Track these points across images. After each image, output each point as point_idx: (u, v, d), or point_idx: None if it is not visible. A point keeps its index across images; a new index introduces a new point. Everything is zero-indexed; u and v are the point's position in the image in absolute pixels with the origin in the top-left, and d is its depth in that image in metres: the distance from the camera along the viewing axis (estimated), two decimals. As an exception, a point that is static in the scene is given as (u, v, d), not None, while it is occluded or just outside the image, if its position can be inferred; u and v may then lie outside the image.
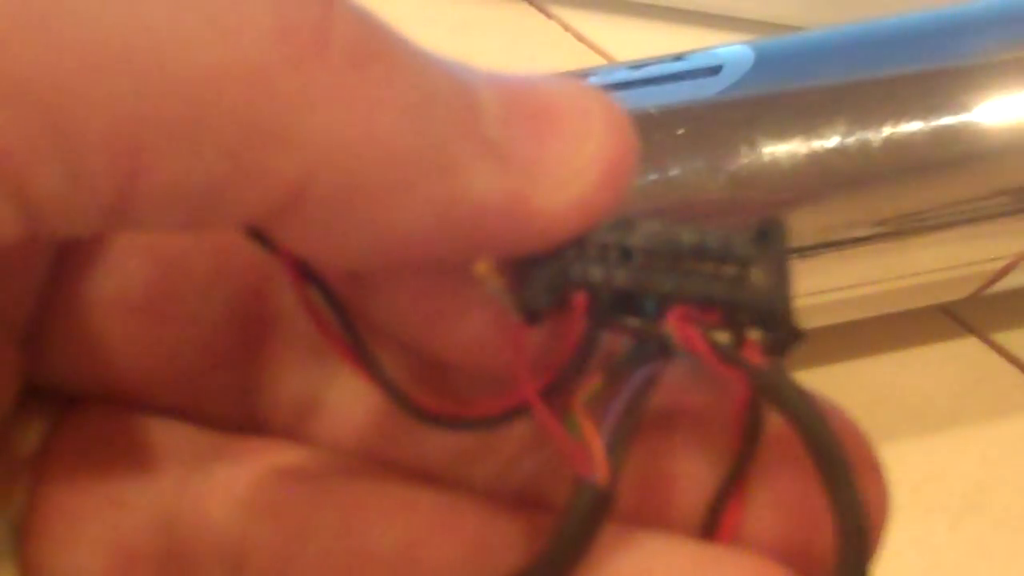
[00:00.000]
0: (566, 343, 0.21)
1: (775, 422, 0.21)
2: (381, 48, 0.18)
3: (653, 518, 0.22)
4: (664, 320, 0.21)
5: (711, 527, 0.22)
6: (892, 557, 0.58)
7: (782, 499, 0.22)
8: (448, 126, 0.18)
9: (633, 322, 0.21)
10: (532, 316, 0.21)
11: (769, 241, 0.21)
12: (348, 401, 0.24)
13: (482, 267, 0.19)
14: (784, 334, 0.21)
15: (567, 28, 0.72)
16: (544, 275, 0.20)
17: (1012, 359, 0.57)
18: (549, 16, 0.72)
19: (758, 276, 0.21)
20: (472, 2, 0.70)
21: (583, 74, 0.53)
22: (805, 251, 0.49)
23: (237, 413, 0.24)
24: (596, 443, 0.20)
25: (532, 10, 0.72)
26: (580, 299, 0.21)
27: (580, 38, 0.71)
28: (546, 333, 0.21)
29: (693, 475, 0.22)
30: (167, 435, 0.24)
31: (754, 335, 0.21)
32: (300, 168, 0.18)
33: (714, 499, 0.22)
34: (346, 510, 0.23)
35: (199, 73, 0.17)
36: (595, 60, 0.70)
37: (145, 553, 0.23)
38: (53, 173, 0.16)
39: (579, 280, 0.21)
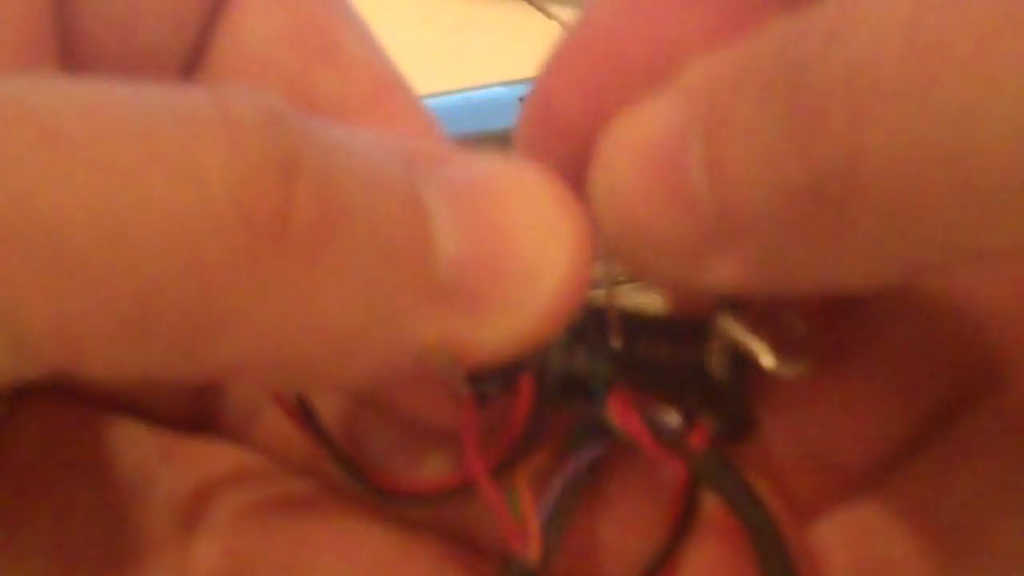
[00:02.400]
0: (513, 423, 0.22)
1: (713, 501, 0.22)
2: (342, 215, 0.18)
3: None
4: (606, 404, 0.22)
5: None
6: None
7: (715, 570, 0.22)
8: (401, 285, 0.19)
9: (579, 406, 0.22)
10: (481, 399, 0.21)
11: (726, 324, 0.21)
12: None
13: (438, 357, 0.19)
14: (735, 422, 0.22)
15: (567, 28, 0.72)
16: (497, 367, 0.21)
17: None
18: (549, 16, 0.72)
19: (712, 363, 0.22)
20: (472, 2, 0.70)
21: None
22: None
23: (189, 410, 0.24)
24: (533, 523, 0.21)
25: (532, 10, 0.73)
26: (526, 383, 0.22)
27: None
28: (498, 413, 0.22)
29: (626, 546, 0.22)
30: (119, 434, 0.24)
31: (706, 419, 0.22)
32: (242, 353, 0.18)
33: (645, 572, 0.22)
34: (294, 542, 0.22)
35: (149, 274, 0.17)
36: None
37: (90, 555, 0.23)
38: None
39: (527, 365, 0.22)
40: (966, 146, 0.15)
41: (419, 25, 0.69)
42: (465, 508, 0.22)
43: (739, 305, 0.21)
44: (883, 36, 0.15)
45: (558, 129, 0.20)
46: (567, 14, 0.72)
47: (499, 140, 0.22)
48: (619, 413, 0.21)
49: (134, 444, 0.23)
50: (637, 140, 0.19)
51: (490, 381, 0.21)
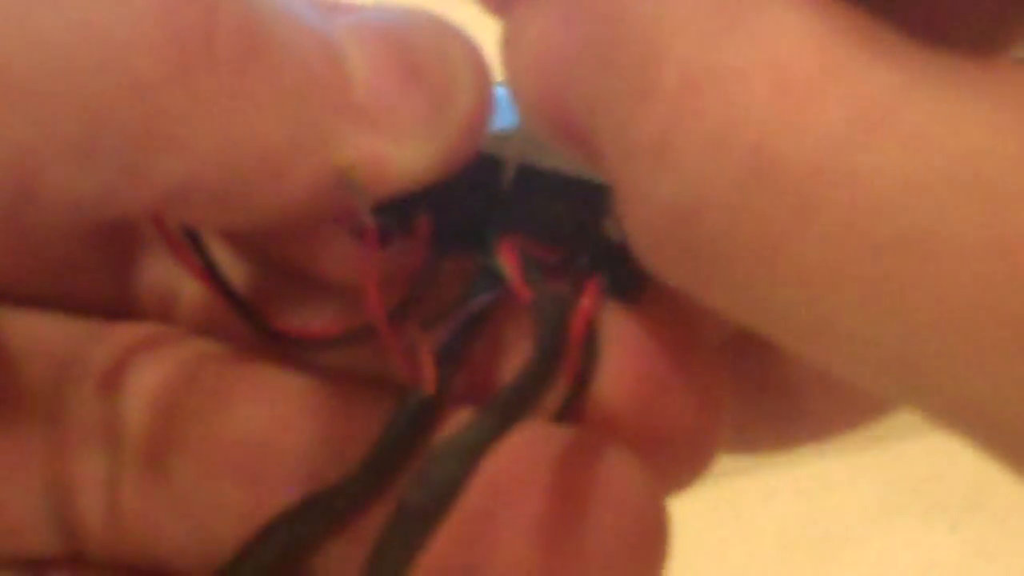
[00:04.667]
0: (409, 264, 0.22)
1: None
2: (263, 39, 0.19)
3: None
4: (499, 247, 0.22)
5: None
6: (892, 557, 0.58)
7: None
8: (321, 104, 0.20)
9: (473, 252, 0.22)
10: (381, 238, 0.21)
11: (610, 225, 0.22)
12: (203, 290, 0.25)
13: (352, 177, 0.20)
14: (626, 280, 0.22)
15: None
16: (396, 200, 0.21)
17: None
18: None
19: (610, 224, 0.22)
20: (471, 2, 0.70)
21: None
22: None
23: (107, 296, 0.25)
24: (427, 359, 0.22)
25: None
26: (423, 223, 0.22)
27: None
28: (398, 257, 0.22)
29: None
30: (38, 325, 0.24)
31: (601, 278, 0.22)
32: (186, 170, 0.18)
33: (553, 418, 0.22)
34: (215, 395, 0.23)
35: (92, 96, 0.17)
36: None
37: (30, 447, 0.23)
38: None
39: (426, 205, 0.22)
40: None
41: (419, 25, 0.69)
42: (366, 350, 0.23)
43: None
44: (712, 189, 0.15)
45: None
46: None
47: (500, 139, 0.23)
48: (505, 256, 0.22)
49: (61, 331, 0.24)
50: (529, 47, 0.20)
51: (389, 218, 0.22)
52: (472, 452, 0.19)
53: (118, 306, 0.25)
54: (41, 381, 0.24)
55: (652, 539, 0.22)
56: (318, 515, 0.22)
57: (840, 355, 0.16)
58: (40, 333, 0.24)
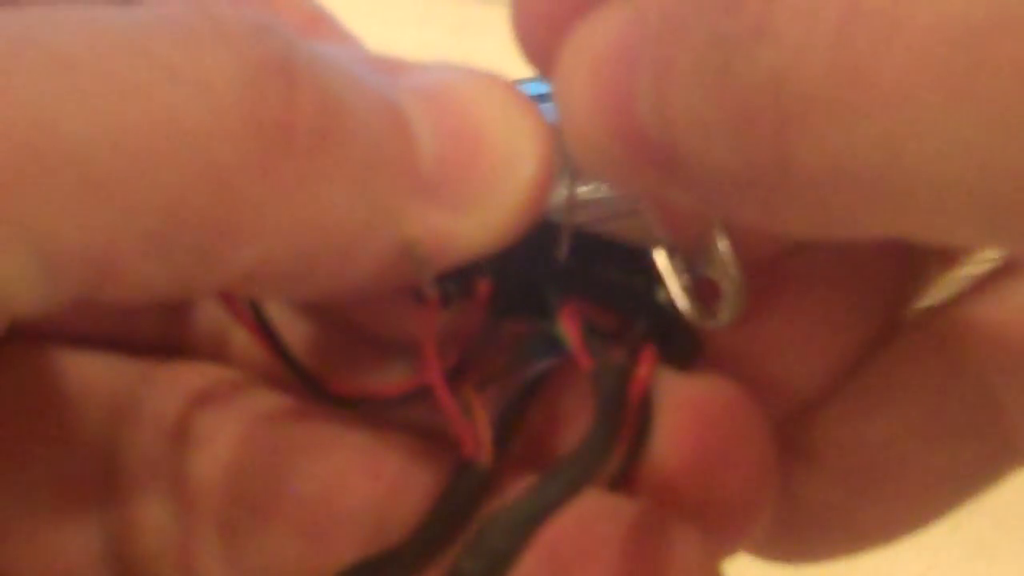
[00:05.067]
0: (468, 327, 0.22)
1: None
2: (340, 118, 0.19)
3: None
4: (559, 313, 0.22)
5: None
6: (892, 557, 0.58)
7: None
8: (391, 181, 0.20)
9: (532, 317, 0.23)
10: (442, 301, 0.22)
11: (659, 260, 0.22)
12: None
13: (419, 253, 0.20)
14: (682, 347, 0.22)
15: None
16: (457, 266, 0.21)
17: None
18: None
19: (664, 292, 0.22)
20: (472, 2, 0.70)
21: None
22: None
23: (160, 335, 0.25)
24: (484, 427, 0.22)
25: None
26: (483, 287, 0.22)
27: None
28: (454, 321, 0.22)
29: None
30: (98, 365, 0.24)
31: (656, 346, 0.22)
32: (260, 255, 0.18)
33: (608, 487, 0.22)
34: (282, 450, 0.23)
35: (171, 187, 0.17)
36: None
37: (88, 482, 0.23)
38: (30, 273, 0.17)
39: (485, 270, 0.22)
40: (892, 172, 0.15)
41: (418, 26, 0.69)
42: (425, 411, 0.22)
43: (674, 246, 0.22)
44: (810, 46, 0.15)
45: (531, 33, 0.21)
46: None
47: (556, 203, 0.23)
48: (565, 323, 0.22)
49: (114, 372, 0.24)
50: (589, 53, 0.19)
51: (451, 284, 0.22)
52: (528, 523, 0.20)
53: (171, 343, 0.25)
54: (97, 423, 0.23)
55: None
56: None
57: (932, 203, 0.15)
58: (94, 373, 0.24)
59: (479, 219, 0.20)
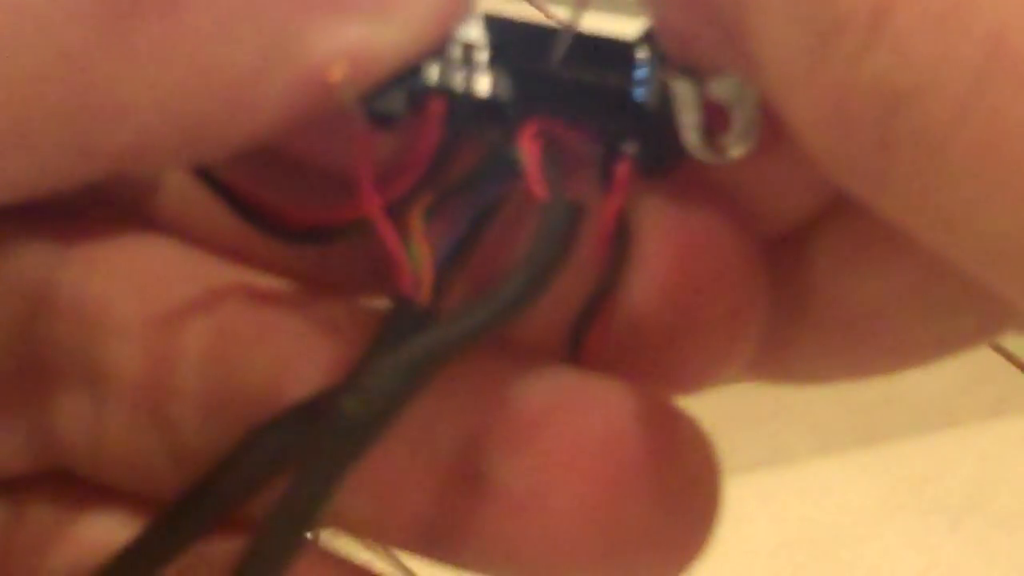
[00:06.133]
0: (420, 152, 0.20)
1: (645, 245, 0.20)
2: None
3: (513, 339, 0.21)
4: (520, 132, 0.20)
5: (576, 348, 0.21)
6: (892, 557, 0.58)
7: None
8: (279, 5, 0.18)
9: (491, 133, 0.20)
10: (382, 122, 0.20)
11: (649, 49, 0.20)
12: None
13: (336, 75, 0.18)
14: (661, 151, 0.20)
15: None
16: (402, 81, 0.19)
17: (1011, 359, 0.57)
18: (549, 16, 0.71)
19: (640, 89, 0.20)
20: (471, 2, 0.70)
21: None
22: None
23: (81, 197, 0.23)
24: (425, 263, 0.20)
25: (532, 10, 0.72)
26: (436, 106, 0.20)
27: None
28: (399, 145, 0.20)
29: (554, 293, 0.21)
30: (2, 253, 0.22)
31: (630, 149, 0.20)
32: (139, 130, 0.17)
33: (579, 318, 0.21)
34: (207, 338, 0.21)
35: (15, 81, 0.16)
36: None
37: (6, 387, 0.21)
38: None
39: (437, 86, 0.20)
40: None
41: None
42: (365, 253, 0.21)
43: (696, 76, 0.20)
44: (941, 74, 0.14)
45: None
46: (567, 14, 0.72)
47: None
48: (526, 147, 0.20)
49: (27, 257, 0.22)
50: None
51: (395, 99, 0.20)
52: (421, 363, 0.18)
53: (93, 202, 0.22)
54: (12, 316, 0.22)
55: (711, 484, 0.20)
56: (300, 425, 0.20)
57: None
58: (5, 260, 0.22)
59: (401, 21, 0.19)
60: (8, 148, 0.17)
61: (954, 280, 0.21)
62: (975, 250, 0.15)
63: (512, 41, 0.20)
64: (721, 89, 0.20)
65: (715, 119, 0.20)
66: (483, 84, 0.20)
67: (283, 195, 0.21)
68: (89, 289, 0.22)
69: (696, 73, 0.20)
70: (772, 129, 0.20)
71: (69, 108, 0.17)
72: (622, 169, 0.20)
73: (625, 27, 0.20)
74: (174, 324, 0.22)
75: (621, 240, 0.20)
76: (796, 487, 0.56)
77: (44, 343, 0.22)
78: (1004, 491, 0.55)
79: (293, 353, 0.21)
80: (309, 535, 0.19)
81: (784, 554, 0.54)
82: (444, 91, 0.20)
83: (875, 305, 0.22)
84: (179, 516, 0.20)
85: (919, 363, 0.23)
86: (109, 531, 0.22)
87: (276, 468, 0.20)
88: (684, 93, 0.20)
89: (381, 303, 0.22)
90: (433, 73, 0.20)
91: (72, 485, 0.22)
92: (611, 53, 0.20)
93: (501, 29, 0.20)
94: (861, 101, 0.15)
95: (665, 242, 0.21)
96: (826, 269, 0.22)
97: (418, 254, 0.20)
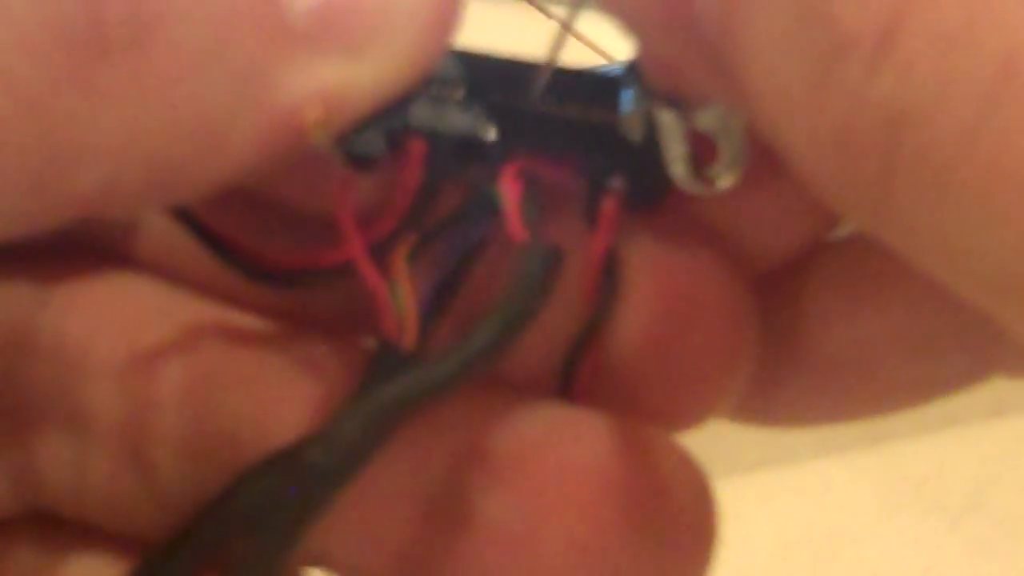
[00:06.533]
0: (402, 193, 0.20)
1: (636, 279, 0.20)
2: (157, 7, 0.16)
3: (503, 375, 0.21)
4: (501, 171, 0.20)
5: (567, 383, 0.21)
6: (892, 557, 0.58)
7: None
8: (252, 44, 0.17)
9: (473, 172, 0.20)
10: (361, 163, 0.19)
11: (633, 82, 0.20)
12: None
13: (311, 117, 0.17)
14: (648, 185, 0.20)
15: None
16: (380, 121, 0.19)
17: (1012, 359, 0.57)
18: (549, 16, 0.71)
19: (624, 121, 0.20)
20: (472, 2, 0.70)
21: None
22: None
23: (61, 238, 0.22)
24: (411, 310, 0.19)
25: (532, 10, 0.72)
26: (416, 146, 0.19)
27: (580, 38, 0.71)
28: (380, 186, 0.20)
29: (544, 330, 0.20)
30: None
31: (617, 184, 0.20)
32: (106, 172, 0.16)
33: (569, 355, 0.21)
34: (188, 382, 0.21)
35: None
36: (595, 60, 0.69)
37: None
38: None
39: (417, 126, 0.19)
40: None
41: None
42: (357, 288, 0.20)
43: (682, 107, 0.19)
44: (948, 99, 0.13)
45: None
46: (567, 14, 0.72)
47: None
48: (506, 187, 0.19)
49: (7, 299, 0.21)
50: None
51: (374, 140, 0.19)
52: (387, 412, 0.18)
53: (72, 243, 0.22)
54: None
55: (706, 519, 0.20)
56: (284, 470, 0.20)
57: None
58: None
59: (377, 60, 0.18)
60: None
61: (946, 320, 0.21)
62: (978, 277, 0.14)
63: (489, 77, 0.20)
64: (707, 119, 0.20)
65: (702, 150, 0.20)
66: (462, 122, 0.20)
67: (265, 236, 0.21)
68: (69, 330, 0.21)
69: (682, 104, 0.19)
70: (760, 161, 0.20)
71: (32, 152, 0.16)
72: (609, 204, 0.20)
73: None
74: (153, 365, 0.21)
75: (610, 276, 0.20)
76: (796, 487, 0.56)
77: (25, 384, 0.21)
78: (1004, 491, 0.55)
79: (275, 394, 0.21)
80: None
81: (784, 554, 0.54)
82: (423, 130, 0.19)
83: (866, 346, 0.22)
84: (162, 561, 0.20)
85: (910, 404, 0.23)
86: (92, 571, 0.22)
87: (258, 514, 0.20)
88: (669, 124, 0.19)
89: (365, 341, 0.22)
90: (411, 112, 0.19)
91: (55, 526, 0.22)
92: (595, 87, 0.20)
93: (477, 65, 0.20)
94: (866, 126, 0.14)
95: (653, 278, 0.20)
96: (816, 310, 0.22)
97: (402, 296, 0.19)
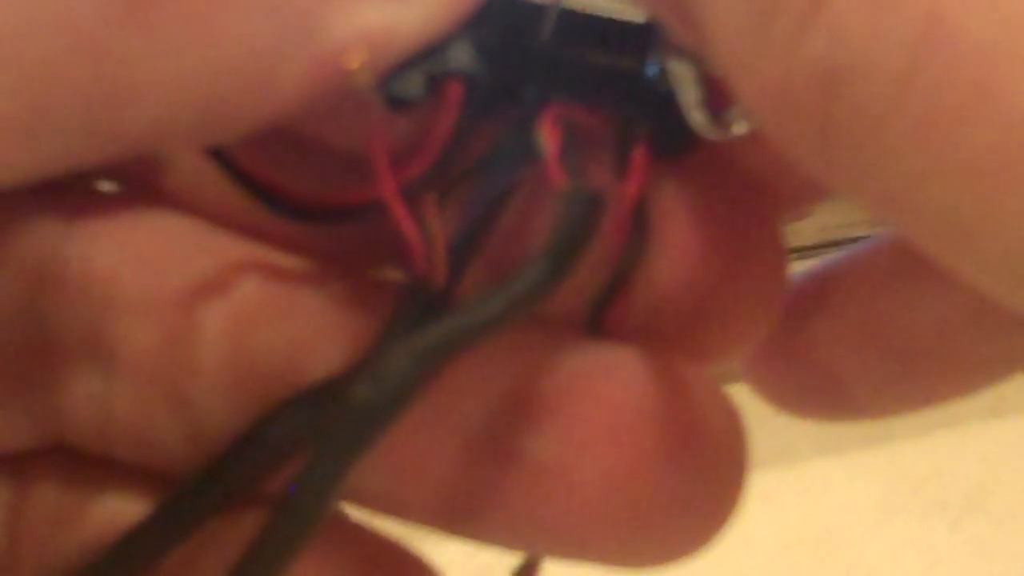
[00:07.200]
0: (436, 136, 0.20)
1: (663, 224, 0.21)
2: None
3: (533, 318, 0.20)
4: (539, 117, 0.20)
5: (596, 325, 0.21)
6: (892, 557, 0.58)
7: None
8: None
9: (509, 116, 0.20)
10: (400, 104, 0.19)
11: (674, 67, 0.20)
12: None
13: (354, 57, 0.18)
14: (676, 134, 0.20)
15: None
16: (419, 64, 0.19)
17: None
18: None
19: (653, 70, 0.20)
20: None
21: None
22: (805, 251, 0.49)
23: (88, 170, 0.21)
24: (439, 245, 0.20)
25: None
26: (454, 89, 0.20)
27: None
28: (414, 128, 0.20)
29: (573, 279, 0.20)
30: (7, 228, 0.21)
31: (646, 135, 0.20)
32: (157, 112, 0.17)
33: (596, 302, 0.21)
34: (223, 316, 0.21)
35: (31, 66, 0.16)
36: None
37: (12, 368, 0.21)
38: None
39: (455, 70, 0.20)
40: (955, 235, 0.14)
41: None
42: (377, 233, 0.20)
43: (688, 49, 0.19)
44: (876, 55, 0.14)
45: None
46: None
47: None
48: (546, 132, 0.20)
49: (33, 231, 0.21)
50: None
51: (413, 83, 0.19)
52: (436, 350, 0.18)
53: (101, 175, 0.22)
54: (17, 294, 0.21)
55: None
56: (315, 407, 0.20)
57: (994, 261, 0.14)
58: (10, 236, 0.21)
59: (419, 4, 0.18)
60: (27, 131, 0.16)
61: None
62: (921, 225, 0.15)
63: (523, 22, 0.20)
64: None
65: (720, 95, 0.19)
66: (499, 67, 0.20)
67: (297, 176, 0.21)
68: (97, 263, 0.21)
69: (695, 52, 0.19)
70: None
71: (87, 91, 0.16)
72: (638, 152, 0.20)
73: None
74: (190, 300, 0.21)
75: (639, 223, 0.20)
76: (796, 487, 0.56)
77: (50, 318, 0.21)
78: (1004, 491, 0.55)
79: (311, 331, 0.21)
80: (321, 520, 0.19)
81: (784, 554, 0.54)
82: (461, 74, 0.20)
83: (944, 326, 0.22)
84: (193, 494, 0.20)
85: (984, 384, 0.23)
86: (118, 507, 0.22)
87: (291, 449, 0.20)
88: (682, 72, 0.20)
89: (396, 277, 0.22)
90: (450, 56, 0.19)
91: (79, 462, 0.22)
92: (621, 34, 0.20)
93: (511, 10, 0.20)
94: (802, 83, 0.15)
95: (684, 222, 0.20)
96: (888, 298, 0.22)
97: (432, 237, 0.19)
